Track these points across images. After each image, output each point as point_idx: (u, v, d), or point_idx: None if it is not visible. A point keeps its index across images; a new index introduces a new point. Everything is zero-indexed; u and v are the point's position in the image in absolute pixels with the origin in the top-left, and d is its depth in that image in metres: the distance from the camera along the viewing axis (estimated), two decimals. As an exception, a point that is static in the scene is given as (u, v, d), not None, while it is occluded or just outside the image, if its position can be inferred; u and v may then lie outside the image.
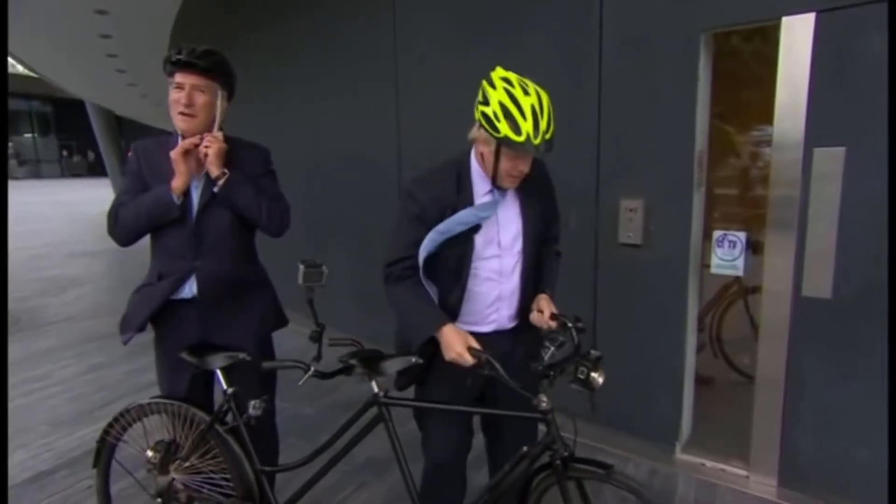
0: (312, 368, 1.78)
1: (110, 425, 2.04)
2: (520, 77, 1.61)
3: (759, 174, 4.17)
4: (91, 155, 31.87)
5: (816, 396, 2.46)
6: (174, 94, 1.92)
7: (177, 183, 1.91)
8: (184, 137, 1.95)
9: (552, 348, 1.57)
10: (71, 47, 8.71)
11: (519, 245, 1.80)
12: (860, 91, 2.20)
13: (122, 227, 1.97)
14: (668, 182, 2.70)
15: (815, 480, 2.50)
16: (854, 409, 2.37)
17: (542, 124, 1.56)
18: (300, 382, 1.74)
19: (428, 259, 1.74)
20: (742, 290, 3.75)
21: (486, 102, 1.58)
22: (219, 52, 1.97)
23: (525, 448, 1.67)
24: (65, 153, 34.27)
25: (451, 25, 3.49)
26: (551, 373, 1.57)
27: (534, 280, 1.87)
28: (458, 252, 1.75)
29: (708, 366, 3.63)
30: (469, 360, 1.59)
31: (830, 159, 2.28)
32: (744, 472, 2.68)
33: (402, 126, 3.95)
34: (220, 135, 1.97)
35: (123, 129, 18.19)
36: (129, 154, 2.06)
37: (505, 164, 1.65)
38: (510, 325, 1.86)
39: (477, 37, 3.31)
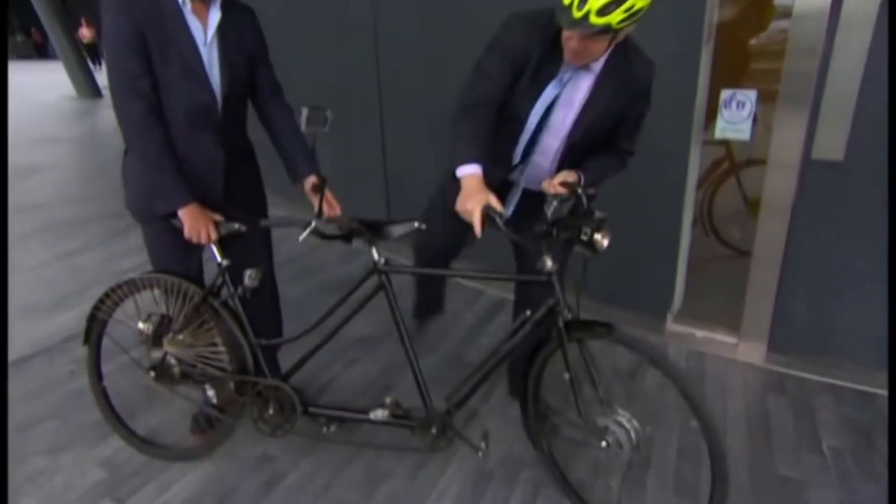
0: (313, 223, 1.71)
1: (101, 301, 1.94)
2: None
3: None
4: (36, 34, 29.25)
5: (815, 263, 2.42)
6: None
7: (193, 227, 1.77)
8: None
9: (555, 203, 1.48)
10: None
11: (566, 129, 1.70)
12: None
13: (133, 142, 1.76)
14: (674, 35, 2.43)
15: (806, 344, 2.53)
16: (851, 271, 2.35)
17: (595, 1, 1.38)
18: (300, 238, 1.69)
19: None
20: (734, 166, 3.61)
21: None
22: None
23: (528, 312, 1.63)
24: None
25: None
26: (554, 230, 1.49)
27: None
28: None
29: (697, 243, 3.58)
30: (476, 223, 1.47)
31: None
32: (733, 341, 2.70)
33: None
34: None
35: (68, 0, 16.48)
36: (110, 15, 1.62)
37: (564, 34, 1.53)
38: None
39: None
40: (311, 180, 1.90)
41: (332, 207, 1.87)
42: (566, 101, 1.68)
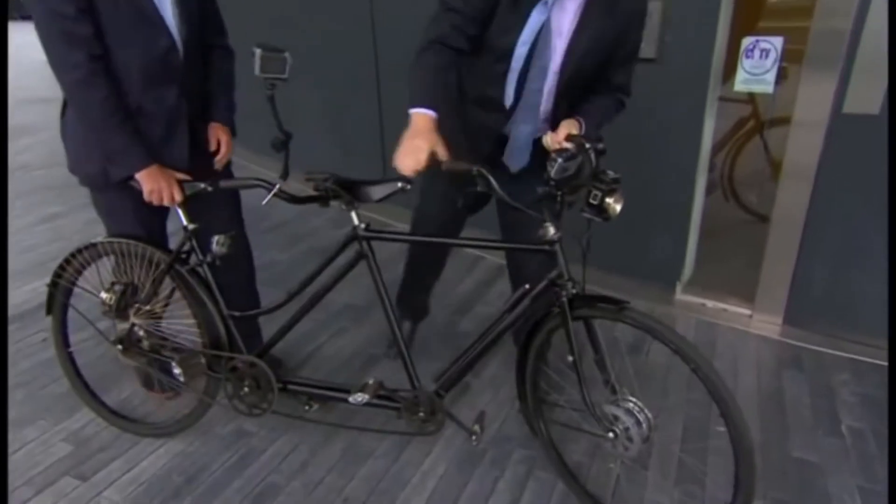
0: (277, 186, 1.52)
1: (62, 268, 1.81)
2: None
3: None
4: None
5: (838, 229, 2.23)
6: None
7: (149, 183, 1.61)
8: None
9: (559, 160, 1.25)
10: None
11: (559, 62, 1.51)
12: None
13: (74, 99, 1.59)
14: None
15: (825, 316, 2.35)
16: (876, 239, 2.15)
17: None
18: (263, 202, 1.52)
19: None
20: (759, 125, 3.37)
21: None
22: None
23: (527, 286, 1.46)
24: (10, -7, 31.03)
25: None
26: (559, 192, 1.29)
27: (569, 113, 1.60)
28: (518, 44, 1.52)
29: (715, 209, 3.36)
30: (414, 165, 1.31)
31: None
32: (747, 312, 2.52)
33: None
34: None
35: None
36: None
37: None
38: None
39: None
40: (215, 126, 1.78)
41: (222, 153, 1.79)
42: (555, 29, 1.48)
